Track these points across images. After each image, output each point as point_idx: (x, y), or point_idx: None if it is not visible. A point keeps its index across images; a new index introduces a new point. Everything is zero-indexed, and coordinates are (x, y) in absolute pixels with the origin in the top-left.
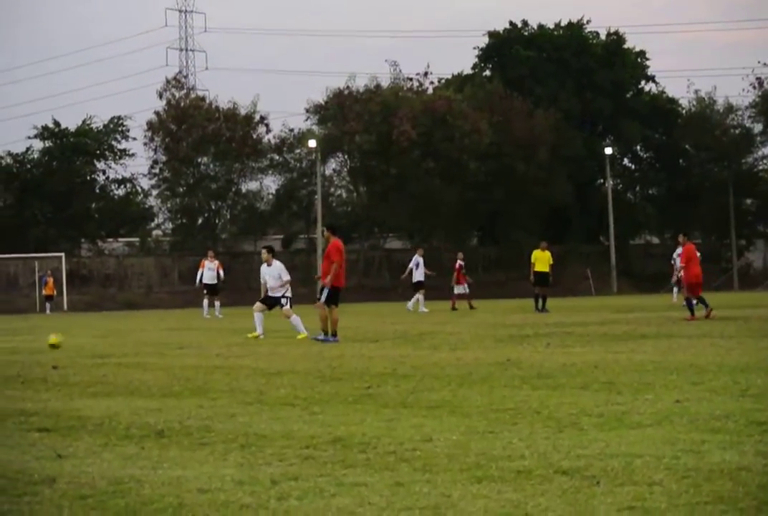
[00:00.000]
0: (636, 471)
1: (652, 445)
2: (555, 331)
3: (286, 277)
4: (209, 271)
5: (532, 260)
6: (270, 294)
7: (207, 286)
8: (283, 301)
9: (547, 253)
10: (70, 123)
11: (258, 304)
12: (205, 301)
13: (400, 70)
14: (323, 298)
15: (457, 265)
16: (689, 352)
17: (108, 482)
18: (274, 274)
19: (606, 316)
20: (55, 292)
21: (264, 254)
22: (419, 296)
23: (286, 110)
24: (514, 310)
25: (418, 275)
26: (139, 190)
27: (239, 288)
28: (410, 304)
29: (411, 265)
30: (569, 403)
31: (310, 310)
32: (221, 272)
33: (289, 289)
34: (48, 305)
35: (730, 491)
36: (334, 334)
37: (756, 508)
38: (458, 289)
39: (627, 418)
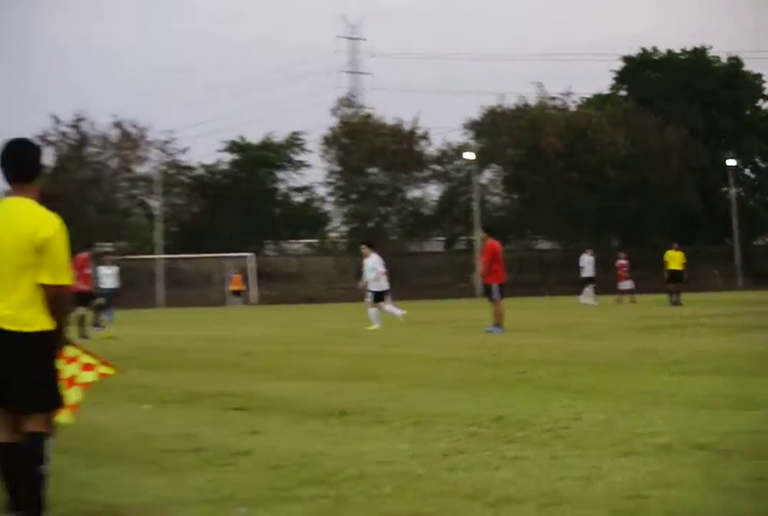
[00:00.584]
0: (763, 446)
1: None
2: (688, 322)
3: (381, 268)
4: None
5: (666, 260)
6: (369, 288)
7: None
8: (369, 294)
9: (680, 253)
10: (255, 138)
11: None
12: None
13: (546, 90)
14: (494, 294)
15: (617, 264)
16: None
17: (297, 455)
18: (369, 266)
19: (733, 309)
20: (243, 288)
21: (364, 248)
22: (588, 290)
23: (445, 126)
24: (651, 304)
25: (587, 271)
26: (317, 197)
27: (406, 285)
28: (582, 297)
29: (582, 263)
30: (702, 386)
31: (463, 304)
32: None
33: (384, 281)
34: (235, 299)
35: None
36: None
37: None
38: (623, 285)
39: (755, 399)
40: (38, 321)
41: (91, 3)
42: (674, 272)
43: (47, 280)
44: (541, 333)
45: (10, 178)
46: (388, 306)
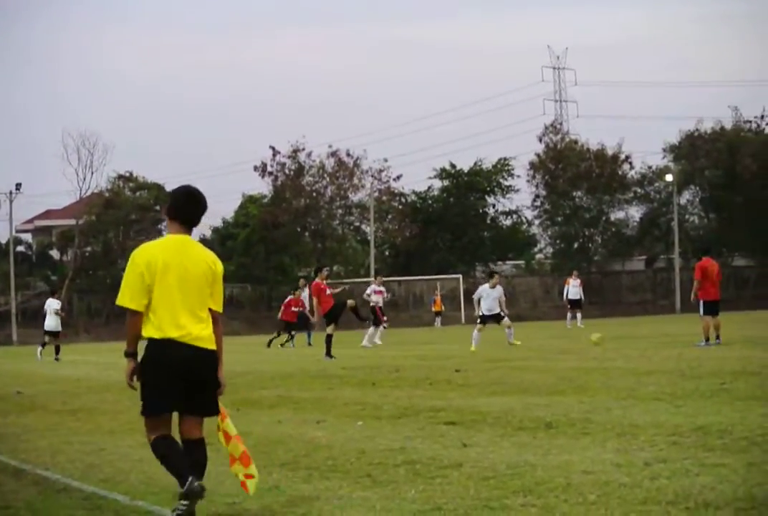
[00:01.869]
0: None
1: None
2: None
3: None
4: (573, 287)
5: None
6: (488, 314)
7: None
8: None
9: None
10: (464, 164)
11: (479, 325)
12: (569, 314)
13: (741, 114)
14: (701, 310)
15: None
16: None
17: (506, 466)
18: (494, 296)
19: None
20: (443, 309)
21: (495, 278)
22: None
23: (646, 150)
24: None
25: None
26: (524, 220)
27: (609, 302)
28: None
29: None
30: None
31: (664, 319)
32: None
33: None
34: (437, 320)
35: None
36: (717, 337)
37: None
38: None
39: None
40: (213, 341)
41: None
42: None
43: (216, 307)
44: (738, 346)
45: (187, 221)
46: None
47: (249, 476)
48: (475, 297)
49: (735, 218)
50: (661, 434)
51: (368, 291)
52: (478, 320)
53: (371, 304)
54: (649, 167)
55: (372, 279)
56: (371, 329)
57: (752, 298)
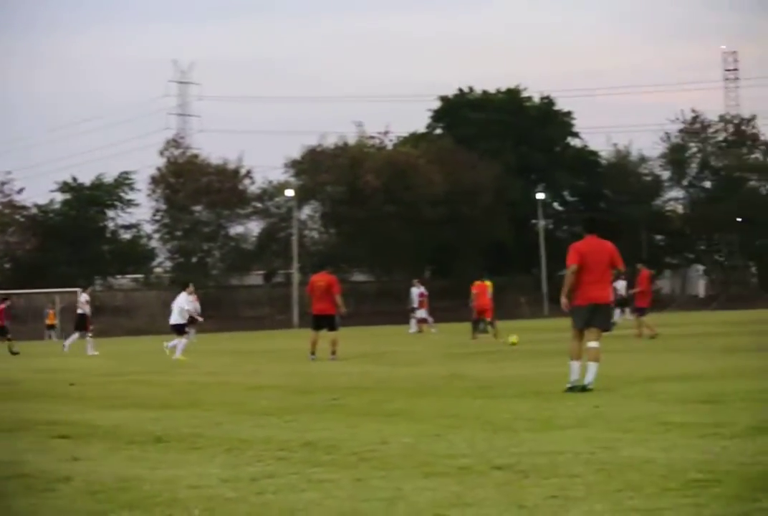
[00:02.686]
0: (559, 465)
1: (573, 444)
2: (495, 349)
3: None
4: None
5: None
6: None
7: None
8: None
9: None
10: (86, 178)
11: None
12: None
13: (365, 130)
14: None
15: (418, 294)
16: (607, 365)
17: (115, 480)
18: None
19: (539, 336)
20: (56, 322)
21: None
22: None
23: (267, 164)
24: (461, 332)
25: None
26: (144, 234)
27: (227, 316)
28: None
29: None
30: (505, 410)
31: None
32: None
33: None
34: (50, 333)
35: (638, 481)
36: (332, 353)
37: (658, 495)
38: (420, 314)
39: (553, 421)
40: None
41: None
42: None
43: None
44: (354, 360)
45: None
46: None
47: None
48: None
49: (355, 234)
50: (270, 449)
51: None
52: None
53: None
54: (270, 182)
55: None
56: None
57: (371, 313)
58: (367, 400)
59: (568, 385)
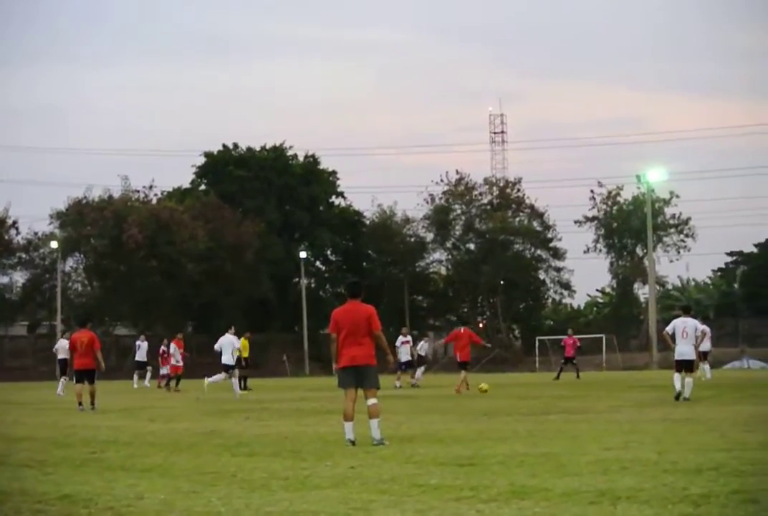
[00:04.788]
0: None
1: (329, 504)
2: (254, 406)
3: None
4: None
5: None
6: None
7: None
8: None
9: (244, 341)
10: None
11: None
12: None
13: (130, 183)
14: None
15: (161, 350)
16: (364, 425)
17: None
18: None
19: (299, 394)
20: None
21: None
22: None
23: (33, 215)
24: (220, 388)
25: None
26: None
27: None
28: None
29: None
30: (262, 468)
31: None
32: None
33: None
34: None
35: None
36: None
37: None
38: (164, 370)
39: (309, 481)
40: None
41: None
42: (240, 359)
43: None
44: (114, 415)
45: None
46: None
47: None
48: None
49: (119, 287)
50: (27, 502)
51: None
52: None
53: None
54: (36, 233)
55: None
56: None
57: (133, 367)
58: (124, 454)
59: (347, 444)
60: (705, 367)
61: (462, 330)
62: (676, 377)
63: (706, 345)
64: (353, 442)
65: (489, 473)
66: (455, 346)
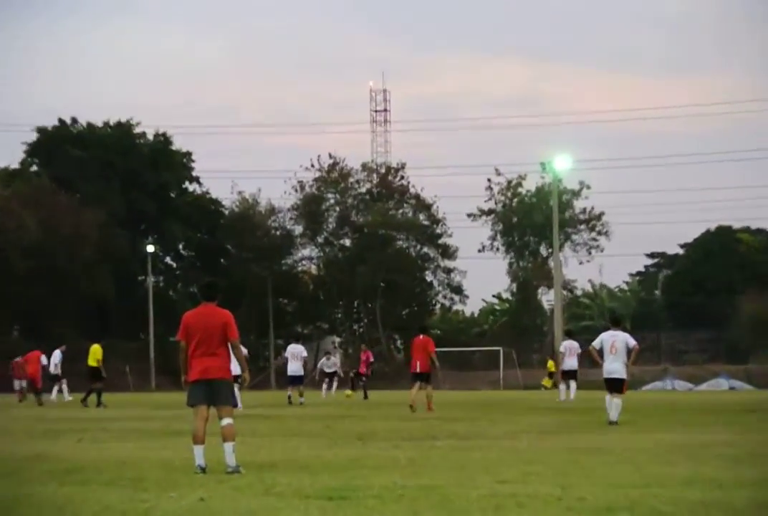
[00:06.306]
0: None
1: None
2: (90, 426)
3: None
4: None
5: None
6: None
7: None
8: None
9: (97, 348)
10: None
11: None
12: None
13: None
14: None
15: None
16: (214, 448)
17: None
18: None
19: (143, 412)
20: None
21: None
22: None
23: None
24: (53, 405)
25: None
26: None
27: None
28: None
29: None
30: (95, 500)
31: None
32: None
33: None
34: None
35: None
36: None
37: None
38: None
39: (150, 514)
40: None
41: None
42: (91, 369)
43: None
44: None
45: None
46: None
47: None
48: None
49: None
50: None
51: None
52: None
53: None
54: None
55: None
56: None
57: None
58: None
59: (196, 471)
60: (563, 387)
61: (421, 337)
62: (608, 399)
63: (571, 362)
64: (204, 469)
65: (363, 508)
66: (412, 356)
